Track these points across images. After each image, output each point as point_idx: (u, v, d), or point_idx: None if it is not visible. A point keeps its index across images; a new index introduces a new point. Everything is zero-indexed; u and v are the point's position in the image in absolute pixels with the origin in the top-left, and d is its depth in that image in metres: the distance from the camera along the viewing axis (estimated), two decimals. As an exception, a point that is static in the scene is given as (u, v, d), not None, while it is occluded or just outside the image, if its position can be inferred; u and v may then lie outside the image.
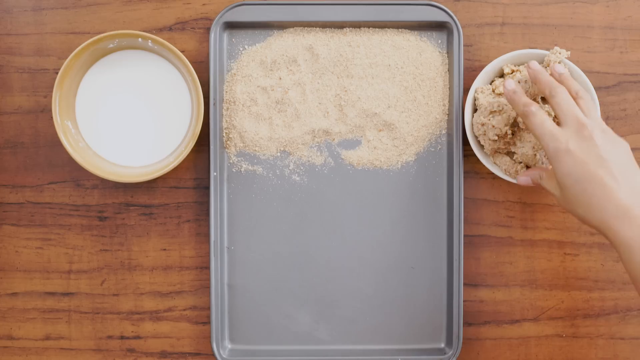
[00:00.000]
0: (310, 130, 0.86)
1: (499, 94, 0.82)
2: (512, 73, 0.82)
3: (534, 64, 0.76)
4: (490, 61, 0.85)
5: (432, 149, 0.87)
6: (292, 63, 0.86)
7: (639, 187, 0.69)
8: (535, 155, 0.80)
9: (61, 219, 0.87)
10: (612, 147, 0.71)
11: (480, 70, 0.83)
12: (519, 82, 0.79)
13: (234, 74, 0.86)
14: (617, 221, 0.68)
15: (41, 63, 0.87)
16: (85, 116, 0.85)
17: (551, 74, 0.76)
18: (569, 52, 0.81)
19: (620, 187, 0.69)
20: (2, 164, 0.87)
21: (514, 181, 0.83)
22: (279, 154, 0.86)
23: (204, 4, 0.87)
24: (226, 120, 0.86)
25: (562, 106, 0.72)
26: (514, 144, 0.81)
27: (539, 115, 0.73)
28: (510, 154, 0.82)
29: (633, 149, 0.87)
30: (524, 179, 0.78)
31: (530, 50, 0.83)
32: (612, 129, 0.86)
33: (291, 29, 0.86)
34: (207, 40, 0.86)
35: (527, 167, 0.82)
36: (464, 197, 0.87)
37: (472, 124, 0.83)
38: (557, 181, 0.72)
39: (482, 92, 0.82)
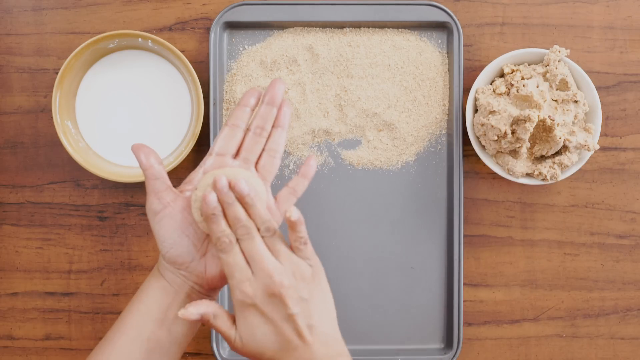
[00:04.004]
0: (310, 130, 0.86)
1: (499, 94, 0.82)
2: (512, 73, 0.82)
3: (220, 184, 0.64)
4: (490, 61, 0.85)
5: (432, 149, 0.87)
6: (292, 63, 0.86)
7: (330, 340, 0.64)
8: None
9: (61, 219, 0.87)
10: (307, 304, 0.63)
11: (480, 70, 0.84)
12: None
13: (234, 74, 0.86)
14: None
15: (41, 63, 0.87)
16: (85, 116, 0.85)
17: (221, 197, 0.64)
18: (568, 51, 0.81)
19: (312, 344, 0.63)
20: (2, 164, 0.87)
21: (516, 181, 0.83)
22: (279, 154, 0.86)
23: (204, 4, 0.87)
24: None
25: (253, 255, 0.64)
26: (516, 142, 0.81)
27: (233, 254, 0.63)
28: (512, 152, 0.82)
29: (633, 149, 0.87)
30: (190, 310, 0.63)
31: (530, 49, 0.83)
32: (612, 129, 0.87)
33: (291, 29, 0.86)
34: (207, 40, 0.86)
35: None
36: (464, 197, 0.87)
37: (473, 124, 0.83)
38: (237, 330, 0.64)
39: (482, 92, 0.82)
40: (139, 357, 0.66)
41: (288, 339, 0.62)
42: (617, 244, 0.87)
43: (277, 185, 0.86)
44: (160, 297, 0.67)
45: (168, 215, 0.66)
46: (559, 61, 0.81)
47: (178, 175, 0.87)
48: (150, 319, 0.66)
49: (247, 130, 0.70)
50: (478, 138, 0.83)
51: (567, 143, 0.80)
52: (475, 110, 0.84)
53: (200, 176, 0.68)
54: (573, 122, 0.81)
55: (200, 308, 0.63)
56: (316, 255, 0.66)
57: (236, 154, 0.69)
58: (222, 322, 0.64)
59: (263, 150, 0.70)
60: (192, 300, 0.68)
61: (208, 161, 0.68)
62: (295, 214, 0.64)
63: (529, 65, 0.84)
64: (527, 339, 0.88)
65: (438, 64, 0.86)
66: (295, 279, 0.63)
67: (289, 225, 0.64)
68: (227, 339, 0.64)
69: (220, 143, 0.69)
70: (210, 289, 0.68)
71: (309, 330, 0.63)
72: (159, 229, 0.66)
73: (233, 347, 0.64)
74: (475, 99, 0.83)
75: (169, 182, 0.67)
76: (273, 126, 0.70)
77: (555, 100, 0.81)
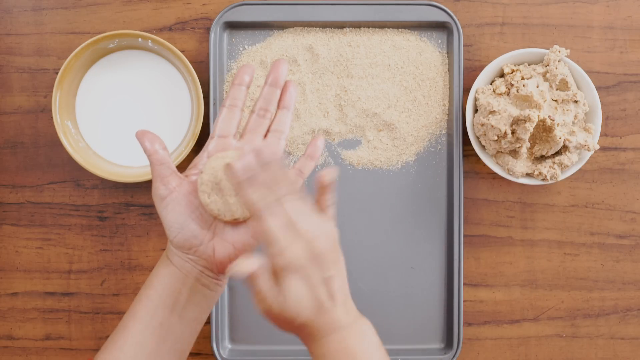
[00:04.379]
0: (310, 130, 0.86)
1: (499, 94, 0.82)
2: (512, 73, 0.82)
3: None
4: (490, 61, 0.85)
5: (432, 149, 0.87)
6: (292, 63, 0.86)
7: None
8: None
9: (61, 219, 0.87)
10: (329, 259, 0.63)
11: (480, 70, 0.83)
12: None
13: (234, 74, 0.86)
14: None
15: (41, 63, 0.87)
16: (85, 116, 0.85)
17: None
18: (568, 51, 0.81)
19: (336, 306, 0.63)
20: (2, 164, 0.87)
21: (516, 181, 0.83)
22: (279, 154, 0.86)
23: (204, 4, 0.87)
24: (226, 120, 0.86)
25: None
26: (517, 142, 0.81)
27: (273, 218, 0.61)
28: (512, 152, 0.82)
29: (633, 149, 0.87)
30: (243, 264, 0.61)
31: (530, 49, 0.83)
32: (612, 129, 0.87)
33: (291, 29, 0.86)
34: (207, 40, 0.86)
35: None
36: (464, 197, 0.87)
37: (473, 124, 0.83)
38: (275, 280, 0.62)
39: (482, 92, 0.82)
40: (153, 344, 0.66)
41: (321, 301, 0.62)
42: (617, 244, 0.87)
43: (277, 185, 0.86)
44: (170, 283, 0.67)
45: (174, 200, 0.66)
46: (559, 61, 0.81)
47: (178, 175, 0.87)
48: (161, 305, 0.67)
49: (251, 112, 0.70)
50: (478, 138, 0.83)
51: (567, 143, 0.80)
52: (475, 110, 0.84)
53: (205, 160, 0.68)
54: (573, 122, 0.81)
55: (254, 263, 0.61)
56: None
57: (240, 135, 0.70)
58: (265, 282, 0.61)
59: (268, 131, 0.70)
60: (203, 284, 0.68)
61: (211, 144, 0.69)
62: (329, 176, 0.65)
63: (529, 65, 0.84)
64: (527, 339, 0.88)
65: (438, 64, 0.86)
66: (329, 241, 0.63)
67: (320, 188, 0.65)
68: (262, 300, 0.62)
69: (221, 125, 0.69)
70: (219, 272, 0.68)
71: (338, 293, 0.63)
72: (166, 214, 0.66)
73: (267, 310, 0.62)
74: (475, 99, 0.83)
75: (173, 167, 0.67)
76: (278, 107, 0.70)
77: (555, 100, 0.81)
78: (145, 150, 0.66)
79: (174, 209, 0.66)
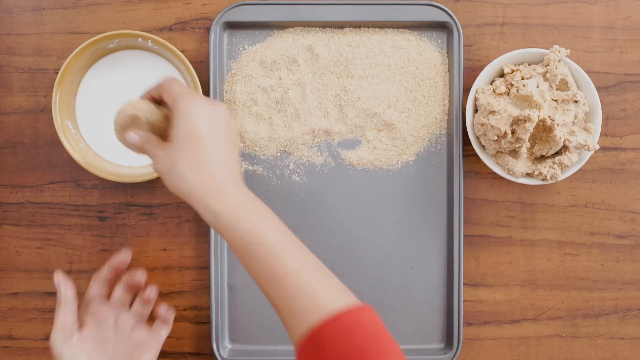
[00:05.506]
0: (310, 130, 0.86)
1: (499, 94, 0.82)
2: (512, 73, 0.82)
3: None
4: (490, 61, 0.85)
5: (432, 149, 0.87)
6: (292, 63, 0.86)
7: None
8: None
9: (61, 219, 0.87)
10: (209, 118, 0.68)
11: (480, 70, 0.83)
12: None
13: (234, 74, 0.86)
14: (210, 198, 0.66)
15: (41, 63, 0.87)
16: (85, 116, 0.85)
17: None
18: (568, 51, 0.81)
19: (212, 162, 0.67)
20: (2, 164, 0.87)
21: (516, 181, 0.83)
22: (279, 154, 0.86)
23: (204, 4, 0.87)
24: (226, 120, 0.86)
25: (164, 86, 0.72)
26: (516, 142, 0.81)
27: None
28: (512, 152, 0.82)
29: (633, 149, 0.87)
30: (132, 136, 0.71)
31: (530, 49, 0.83)
32: (612, 129, 0.87)
33: (291, 29, 0.86)
34: (207, 40, 0.86)
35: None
36: (464, 197, 0.87)
37: (473, 124, 0.83)
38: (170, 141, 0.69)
39: (482, 92, 0.82)
40: None
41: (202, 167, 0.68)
42: (617, 244, 0.87)
43: (280, 186, 0.86)
44: None
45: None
46: (559, 61, 0.81)
47: (178, 175, 0.87)
48: None
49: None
50: (478, 138, 0.83)
51: (567, 143, 0.80)
52: (475, 110, 0.84)
53: None
54: (573, 122, 0.81)
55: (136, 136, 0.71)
56: None
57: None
58: (153, 143, 0.70)
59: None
60: None
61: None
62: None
63: (529, 65, 0.84)
64: (527, 339, 0.88)
65: (438, 64, 0.86)
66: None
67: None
68: (155, 163, 0.69)
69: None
70: None
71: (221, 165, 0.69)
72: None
73: (161, 173, 0.69)
74: (475, 99, 0.83)
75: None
76: (156, 319, 0.82)
77: (555, 100, 0.81)
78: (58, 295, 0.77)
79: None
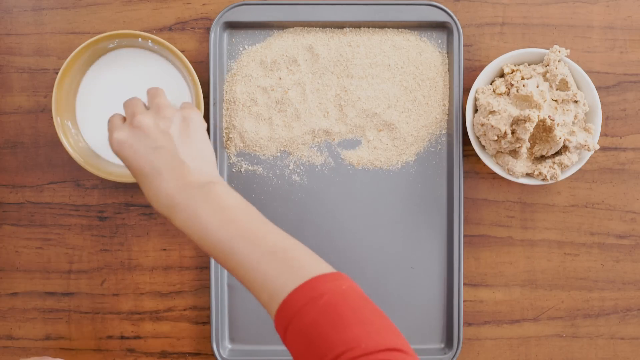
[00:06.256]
0: (310, 130, 0.86)
1: (499, 94, 0.82)
2: (512, 73, 0.82)
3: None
4: (490, 61, 0.85)
5: (432, 149, 0.87)
6: (292, 63, 0.86)
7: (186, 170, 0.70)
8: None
9: (61, 219, 0.87)
10: (161, 136, 0.71)
11: (480, 70, 0.84)
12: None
13: (234, 74, 0.86)
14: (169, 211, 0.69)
15: (41, 63, 0.87)
16: (85, 116, 0.85)
17: None
18: (568, 51, 0.81)
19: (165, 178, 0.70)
20: (2, 164, 0.87)
21: (516, 181, 0.83)
22: (279, 154, 0.86)
23: (204, 4, 0.87)
24: (226, 120, 0.86)
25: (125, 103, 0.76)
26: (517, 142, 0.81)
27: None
28: (512, 152, 0.82)
29: (633, 149, 0.87)
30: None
31: (530, 49, 0.83)
32: (612, 129, 0.87)
33: (291, 29, 0.86)
34: (207, 40, 0.86)
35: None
36: (464, 197, 0.87)
37: (473, 124, 0.83)
38: None
39: (482, 92, 0.82)
40: None
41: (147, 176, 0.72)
42: (617, 244, 0.87)
43: (280, 186, 0.86)
44: None
45: None
46: (559, 61, 0.81)
47: (178, 175, 0.87)
48: None
49: None
50: (478, 138, 0.83)
51: (567, 143, 0.80)
52: (475, 110, 0.84)
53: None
54: (573, 122, 0.81)
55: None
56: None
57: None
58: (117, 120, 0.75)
59: None
60: None
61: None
62: None
63: (529, 65, 0.84)
64: (527, 339, 0.88)
65: (438, 64, 0.86)
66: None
67: None
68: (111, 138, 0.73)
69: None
70: None
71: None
72: None
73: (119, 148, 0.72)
74: (475, 99, 0.83)
75: None
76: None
77: (555, 100, 0.81)
78: None
79: None
